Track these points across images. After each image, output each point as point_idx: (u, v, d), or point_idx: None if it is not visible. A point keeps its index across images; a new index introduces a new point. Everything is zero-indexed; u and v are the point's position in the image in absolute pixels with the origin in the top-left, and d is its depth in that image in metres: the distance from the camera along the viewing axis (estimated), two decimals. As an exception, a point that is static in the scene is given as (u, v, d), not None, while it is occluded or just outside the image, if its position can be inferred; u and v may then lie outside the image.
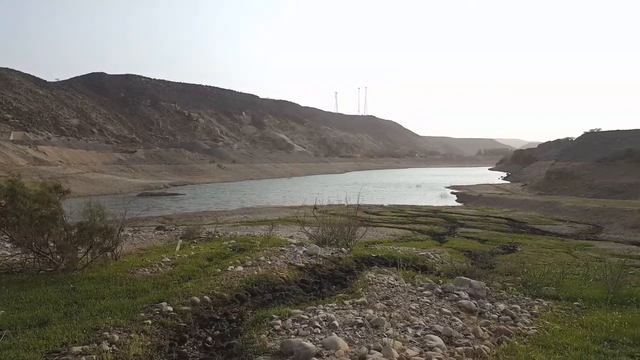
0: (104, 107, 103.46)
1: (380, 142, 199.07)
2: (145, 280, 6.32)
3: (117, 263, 7.38)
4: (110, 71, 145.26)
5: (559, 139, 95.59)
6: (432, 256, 10.75)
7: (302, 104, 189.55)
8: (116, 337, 4.22)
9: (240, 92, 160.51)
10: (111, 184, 47.99)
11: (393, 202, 36.27)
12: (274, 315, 4.76)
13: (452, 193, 48.39)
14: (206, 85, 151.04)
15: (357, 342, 4.02)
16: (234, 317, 5.24)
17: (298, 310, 4.93)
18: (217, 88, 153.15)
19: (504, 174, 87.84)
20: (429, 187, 57.81)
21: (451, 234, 17.12)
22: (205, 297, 5.58)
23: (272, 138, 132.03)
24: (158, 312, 4.95)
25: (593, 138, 58.09)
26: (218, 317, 5.21)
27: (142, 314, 4.89)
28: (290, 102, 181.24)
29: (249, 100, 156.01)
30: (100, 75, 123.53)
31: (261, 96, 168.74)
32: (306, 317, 4.64)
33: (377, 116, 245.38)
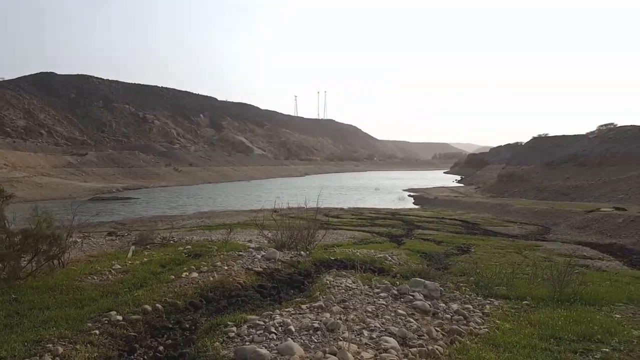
0: (54, 108, 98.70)
1: (340, 146, 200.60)
2: (94, 288, 6.05)
3: (64, 271, 7.01)
4: (60, 71, 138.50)
5: (509, 144, 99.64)
6: (390, 258, 10.88)
7: (262, 107, 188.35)
8: (60, 349, 3.99)
9: (198, 94, 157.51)
10: (60, 188, 45.86)
11: (353, 205, 36.58)
12: (229, 322, 4.66)
13: (409, 196, 49.40)
14: (162, 87, 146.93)
15: (312, 346, 3.99)
16: (187, 325, 5.09)
17: (254, 316, 4.84)
18: (174, 90, 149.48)
19: (458, 177, 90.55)
20: (388, 190, 58.76)
21: (408, 236, 17.40)
22: (158, 305, 5.39)
23: (231, 141, 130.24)
24: (106, 322, 4.73)
25: (541, 142, 60.92)
26: (170, 326, 5.04)
27: (89, 324, 4.66)
28: (250, 105, 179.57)
29: (207, 103, 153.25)
30: (50, 75, 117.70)
31: (220, 98, 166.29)
32: (262, 323, 4.56)
33: (336, 120, 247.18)
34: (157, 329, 4.94)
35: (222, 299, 6.10)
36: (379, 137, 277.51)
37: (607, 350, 4.36)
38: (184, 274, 6.82)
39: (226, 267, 7.42)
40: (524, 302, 6.28)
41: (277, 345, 3.95)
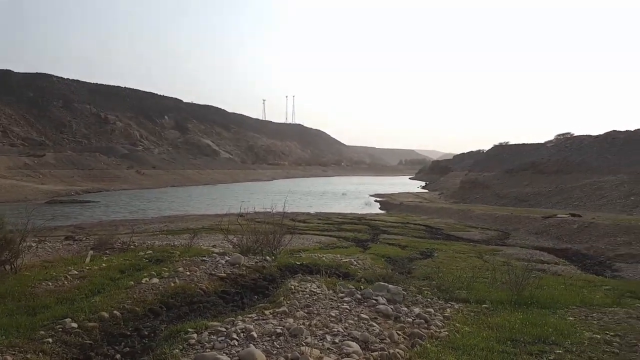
0: (10, 107, 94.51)
1: (308, 151, 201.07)
2: (48, 294, 5.80)
3: (16, 277, 6.70)
4: (18, 69, 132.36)
5: (472, 151, 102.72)
6: (355, 263, 10.93)
7: (230, 110, 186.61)
8: (9, 358, 3.81)
9: (163, 96, 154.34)
10: (15, 190, 43.92)
11: (320, 210, 36.69)
12: (190, 329, 4.57)
13: (375, 201, 50.00)
14: (125, 87, 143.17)
15: (275, 352, 3.97)
16: (146, 333, 4.95)
17: (216, 323, 4.77)
18: (138, 90, 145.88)
19: (423, 183, 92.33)
20: (355, 196, 59.28)
21: (374, 241, 17.59)
22: (115, 312, 5.22)
23: (196, 144, 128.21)
24: (60, 330, 4.55)
25: (502, 151, 63.01)
26: (128, 333, 4.90)
27: (42, 332, 4.47)
28: (217, 108, 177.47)
29: (172, 104, 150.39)
30: (6, 74, 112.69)
31: (185, 100, 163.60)
32: (224, 329, 4.50)
33: (305, 125, 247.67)
34: (114, 337, 4.79)
35: (183, 305, 5.98)
36: (347, 143, 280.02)
37: (560, 351, 4.52)
38: (144, 279, 6.64)
39: (188, 273, 7.27)
40: (483, 306, 6.44)
41: (238, 351, 3.90)
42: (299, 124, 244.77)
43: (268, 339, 4.29)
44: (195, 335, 4.41)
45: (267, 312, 5.18)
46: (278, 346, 4.11)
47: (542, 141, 56.50)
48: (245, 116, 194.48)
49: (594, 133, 47.62)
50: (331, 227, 22.77)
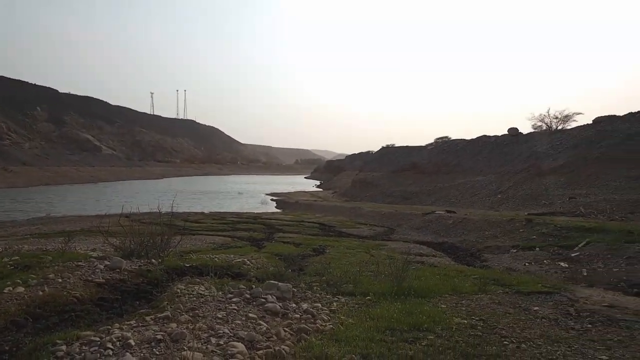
0: None
1: (202, 148, 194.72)
2: None
3: None
4: None
5: (362, 152, 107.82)
6: (248, 262, 10.83)
7: (113, 103, 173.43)
8: None
9: (35, 84, 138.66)
10: None
11: (215, 210, 35.79)
12: (58, 341, 4.16)
13: (272, 200, 50.11)
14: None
15: (154, 359, 3.78)
16: (6, 347, 4.41)
17: (89, 332, 4.40)
18: (4, 77, 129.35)
19: (318, 182, 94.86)
20: (251, 194, 58.81)
21: (270, 240, 17.59)
22: (-33, 328, 4.57)
23: (74, 138, 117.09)
24: None
25: (388, 152, 66.97)
26: (-17, 351, 4.32)
27: None
28: (99, 100, 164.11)
29: (46, 94, 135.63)
30: None
31: (62, 90, 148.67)
32: (97, 339, 4.17)
33: (198, 121, 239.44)
34: (-36, 356, 4.19)
35: (53, 315, 5.42)
36: (243, 141, 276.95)
37: (432, 337, 4.93)
38: (7, 289, 5.91)
39: (60, 280, 6.61)
40: (367, 298, 6.79)
41: (112, 361, 3.66)
42: (192, 120, 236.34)
43: (147, 346, 4.07)
44: (64, 347, 4.03)
45: (148, 318, 4.92)
46: (158, 353, 3.92)
47: (424, 144, 61.02)
48: (131, 110, 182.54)
49: (468, 137, 52.70)
50: (226, 227, 22.32)
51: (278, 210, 39.98)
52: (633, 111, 33.67)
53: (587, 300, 7.32)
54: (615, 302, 7.18)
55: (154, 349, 4.00)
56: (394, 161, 57.15)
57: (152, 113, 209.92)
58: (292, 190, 67.18)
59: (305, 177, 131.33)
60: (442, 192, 39.10)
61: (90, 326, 4.90)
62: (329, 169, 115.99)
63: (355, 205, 36.76)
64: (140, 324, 4.73)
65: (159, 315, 5.01)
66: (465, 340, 4.85)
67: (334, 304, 6.31)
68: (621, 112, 35.10)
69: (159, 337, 4.23)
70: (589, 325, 5.70)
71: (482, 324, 5.57)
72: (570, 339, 5.08)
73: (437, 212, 26.11)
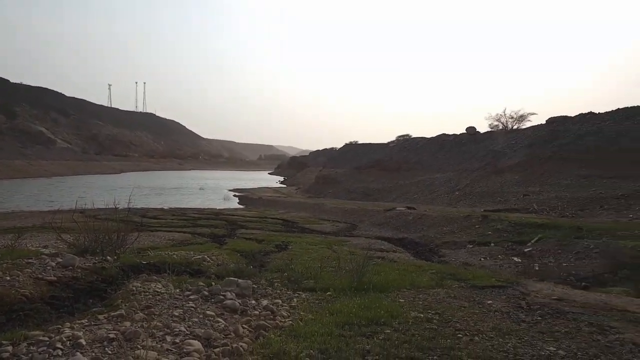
0: None
1: (162, 142, 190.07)
2: None
3: None
4: None
5: (325, 148, 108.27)
6: (209, 259, 10.68)
7: (68, 94, 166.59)
8: None
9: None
10: None
11: (175, 205, 35.06)
12: (4, 341, 3.97)
13: (234, 196, 49.57)
14: None
15: (106, 359, 3.67)
16: (-53, 350, 4.18)
17: (38, 332, 4.23)
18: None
19: (282, 178, 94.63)
20: (213, 190, 57.96)
21: (232, 236, 17.42)
22: None
23: (26, 130, 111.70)
24: None
25: (351, 149, 67.51)
26: None
27: None
28: (52, 91, 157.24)
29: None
30: None
31: (12, 80, 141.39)
32: (46, 339, 4.01)
33: (158, 114, 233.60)
34: None
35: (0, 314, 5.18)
36: (205, 136, 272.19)
37: (389, 331, 5.02)
38: (-51, 288, 5.59)
39: (9, 278, 6.31)
40: (327, 293, 6.84)
41: (61, 362, 3.53)
42: (152, 113, 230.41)
43: (99, 345, 3.95)
44: (10, 348, 3.86)
45: (100, 316, 4.77)
46: (110, 352, 3.82)
47: (386, 141, 61.85)
48: (87, 102, 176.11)
49: (428, 135, 53.86)
50: (186, 223, 21.93)
51: (241, 207, 39.61)
52: (584, 112, 35.36)
53: (538, 293, 7.64)
54: (564, 295, 7.53)
55: (106, 348, 3.89)
56: (357, 158, 57.66)
57: (109, 105, 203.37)
58: (256, 186, 66.69)
59: (269, 173, 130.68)
60: (403, 188, 39.83)
61: (40, 326, 4.72)
62: (292, 165, 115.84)
63: (318, 202, 36.90)
64: (93, 323, 4.59)
65: (113, 313, 4.88)
66: (421, 334, 4.97)
67: (295, 300, 6.33)
68: (573, 113, 36.78)
69: (111, 336, 4.11)
70: (539, 318, 5.95)
71: (437, 318, 5.72)
72: (521, 331, 5.29)
73: (398, 209, 26.59)
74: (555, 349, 4.63)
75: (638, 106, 32.17)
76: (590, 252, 13.22)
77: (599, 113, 34.01)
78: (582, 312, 6.27)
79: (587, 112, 35.21)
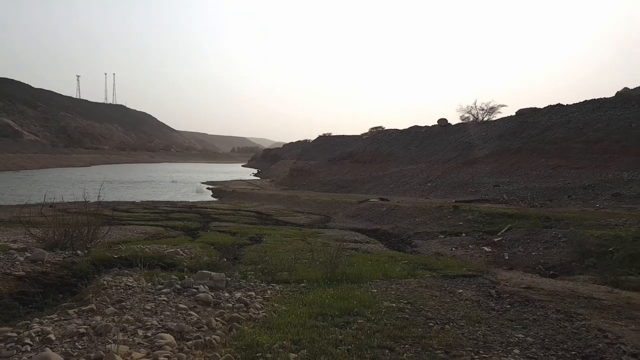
0: None
1: (133, 134, 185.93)
2: None
3: None
4: None
5: (299, 140, 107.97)
6: (182, 252, 10.58)
7: (35, 86, 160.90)
8: None
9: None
10: None
11: (147, 199, 34.43)
12: (-30, 339, 3.88)
13: (208, 188, 48.97)
14: None
15: (76, 354, 3.62)
16: None
17: (6, 328, 4.15)
18: None
19: (256, 171, 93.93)
20: (185, 183, 57.11)
21: (205, 229, 17.26)
22: None
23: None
24: None
25: (325, 141, 67.51)
26: None
27: None
28: (19, 82, 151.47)
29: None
30: None
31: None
32: (15, 334, 3.93)
33: (128, 106, 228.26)
34: None
35: (-36, 313, 5.02)
36: (177, 128, 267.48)
37: (361, 321, 5.11)
38: None
39: (-27, 274, 6.13)
40: (301, 285, 6.89)
41: (30, 357, 3.48)
42: (121, 105, 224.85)
43: (69, 340, 3.89)
44: (-24, 345, 3.76)
45: (71, 311, 4.69)
46: (80, 347, 3.77)
47: (360, 133, 62.14)
48: (55, 93, 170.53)
49: (401, 127, 54.30)
50: (159, 216, 21.60)
51: (214, 199, 39.21)
52: (552, 104, 36.29)
53: (508, 282, 7.88)
54: (532, 283, 7.79)
55: (77, 343, 3.83)
56: (331, 150, 57.74)
57: (78, 97, 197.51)
58: (229, 178, 66.05)
59: (242, 166, 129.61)
60: (377, 180, 40.18)
61: (8, 322, 4.62)
62: (266, 158, 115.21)
63: (292, 194, 36.87)
64: (63, 318, 4.51)
65: (83, 308, 4.80)
66: (393, 323, 5.07)
67: (268, 291, 6.35)
68: (542, 105, 37.69)
69: (82, 330, 4.06)
70: (508, 306, 6.14)
71: (409, 307, 5.84)
72: (491, 319, 5.45)
73: (371, 200, 26.84)
74: (523, 336, 4.79)
75: (604, 98, 33.25)
76: (558, 241, 13.68)
77: (567, 105, 34.96)
78: (550, 299, 6.49)
79: (555, 103, 36.16)
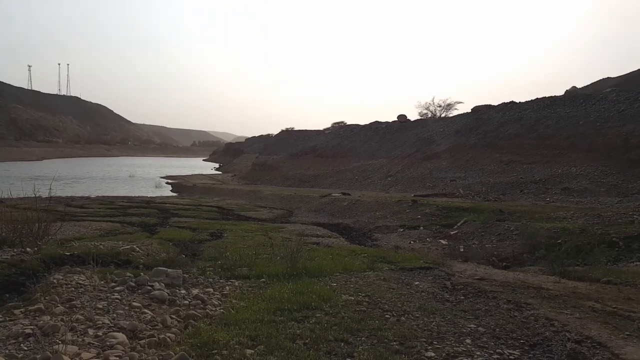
0: None
1: (88, 127, 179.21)
2: None
3: None
4: None
5: (262, 135, 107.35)
6: (138, 249, 10.30)
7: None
8: None
9: None
10: None
11: (103, 194, 33.30)
12: None
13: (167, 183, 47.87)
14: None
15: (21, 355, 3.48)
16: None
17: (-55, 331, 3.93)
18: None
19: (217, 165, 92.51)
20: (143, 178, 55.58)
21: (164, 225, 16.86)
22: None
23: None
24: None
25: (288, 136, 67.35)
26: None
27: None
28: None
29: None
30: None
31: None
32: (-46, 338, 3.74)
33: (83, 98, 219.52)
34: None
35: None
36: (134, 121, 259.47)
37: (320, 315, 5.16)
38: None
39: None
40: (261, 280, 6.87)
41: (-30, 362, 3.31)
42: (76, 97, 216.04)
43: (14, 341, 3.74)
44: None
45: (17, 311, 4.50)
46: (26, 348, 3.62)
47: (322, 128, 62.37)
48: (4, 83, 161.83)
49: (362, 123, 54.92)
50: (115, 212, 20.90)
51: (174, 194, 38.38)
52: (506, 101, 37.64)
53: (462, 274, 8.15)
54: (485, 275, 8.09)
55: (22, 345, 3.68)
56: (294, 145, 57.65)
57: (30, 88, 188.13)
58: (190, 173, 64.79)
59: (203, 160, 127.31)
60: (339, 175, 40.47)
61: (-53, 324, 4.36)
62: (228, 152, 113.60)
63: (255, 189, 36.60)
64: (8, 318, 4.32)
65: (31, 308, 4.61)
66: (350, 316, 5.15)
67: (227, 288, 6.30)
68: (496, 102, 38.98)
69: (28, 331, 3.90)
70: (462, 297, 6.36)
71: (367, 300, 5.94)
72: (445, 310, 5.63)
73: (333, 195, 27.02)
74: (475, 326, 4.98)
75: (555, 96, 34.79)
76: (511, 234, 14.24)
77: (519, 102, 36.32)
78: (501, 290, 6.76)
79: (509, 101, 37.49)
